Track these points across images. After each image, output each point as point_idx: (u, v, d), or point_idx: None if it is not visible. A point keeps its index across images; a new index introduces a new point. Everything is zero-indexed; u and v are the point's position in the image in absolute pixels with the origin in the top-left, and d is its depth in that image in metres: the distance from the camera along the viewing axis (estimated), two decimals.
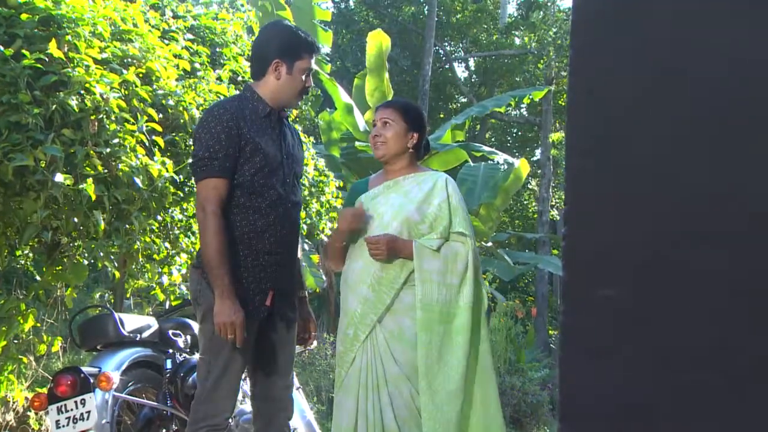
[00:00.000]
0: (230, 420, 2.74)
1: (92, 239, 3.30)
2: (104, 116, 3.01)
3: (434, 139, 9.73)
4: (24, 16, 2.94)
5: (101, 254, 3.49)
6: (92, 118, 2.97)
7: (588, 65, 0.78)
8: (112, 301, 6.04)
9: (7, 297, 4.07)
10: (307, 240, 7.55)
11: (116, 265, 3.95)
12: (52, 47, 2.86)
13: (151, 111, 3.26)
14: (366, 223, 2.89)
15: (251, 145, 2.64)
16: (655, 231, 0.73)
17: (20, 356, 4.09)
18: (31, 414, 4.22)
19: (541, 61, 16.58)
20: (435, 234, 2.83)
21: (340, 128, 10.37)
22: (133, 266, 4.14)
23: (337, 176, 7.41)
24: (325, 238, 3.96)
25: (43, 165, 2.82)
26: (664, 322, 0.72)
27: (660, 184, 0.74)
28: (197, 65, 4.00)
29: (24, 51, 2.80)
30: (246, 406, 3.54)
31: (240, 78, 4.38)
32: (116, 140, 3.04)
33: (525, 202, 20.80)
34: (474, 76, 21.23)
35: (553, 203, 18.14)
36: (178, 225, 4.00)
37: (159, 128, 3.32)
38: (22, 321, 3.82)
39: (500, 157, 11.11)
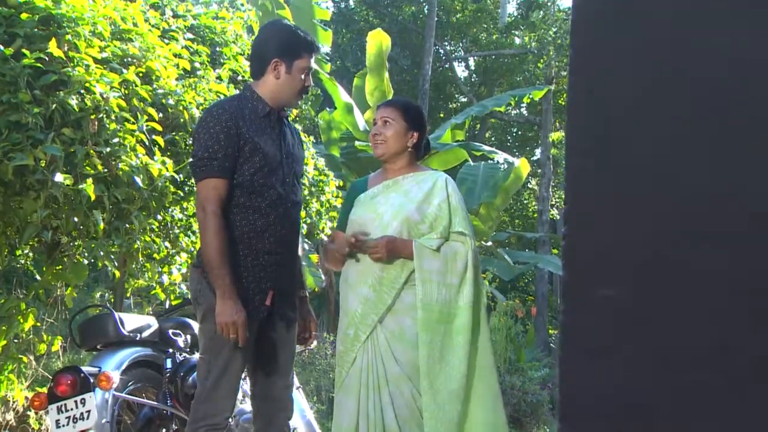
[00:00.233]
0: (230, 419, 2.74)
1: (92, 239, 3.30)
2: (104, 115, 3.01)
3: (434, 138, 9.73)
4: (24, 16, 2.95)
5: (101, 254, 3.49)
6: (92, 117, 2.97)
7: (588, 65, 0.78)
8: (112, 300, 6.05)
9: (7, 296, 4.07)
10: (306, 240, 7.56)
11: (116, 264, 3.95)
12: (52, 47, 2.86)
13: (151, 110, 3.26)
14: (364, 228, 2.88)
15: (250, 144, 2.64)
16: (655, 231, 0.73)
17: (20, 356, 4.10)
18: (31, 413, 4.22)
19: (541, 60, 16.58)
20: (435, 234, 2.83)
21: (340, 128, 10.37)
22: (133, 266, 4.14)
23: (336, 176, 7.42)
24: (325, 238, 3.96)
25: (43, 164, 2.82)
26: (664, 322, 0.72)
27: (660, 184, 0.74)
28: (197, 64, 4.00)
29: (24, 50, 2.80)
30: (246, 405, 3.54)
31: (240, 77, 4.38)
32: (116, 139, 3.05)
33: (525, 202, 20.80)
34: (474, 75, 21.23)
35: (553, 203, 18.14)
36: (179, 224, 4.00)
37: (159, 127, 3.32)
38: (22, 320, 3.82)
39: (500, 156, 11.11)
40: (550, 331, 14.37)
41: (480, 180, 10.42)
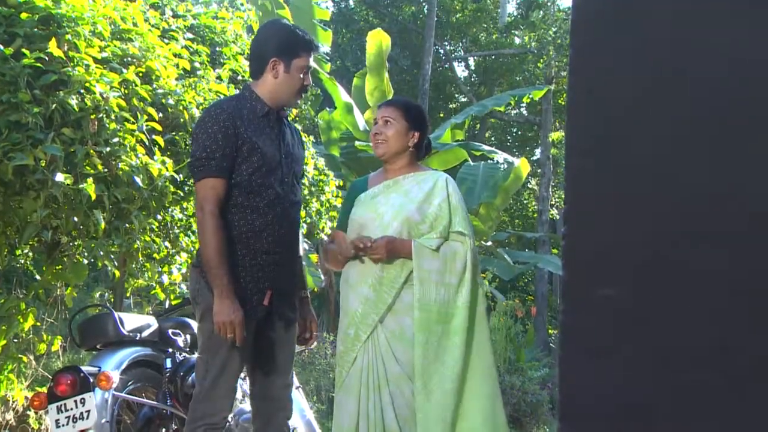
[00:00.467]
0: (229, 419, 2.74)
1: (92, 238, 3.30)
2: (104, 115, 3.01)
3: (434, 138, 9.73)
4: (24, 15, 2.95)
5: (101, 253, 3.49)
6: (92, 117, 2.97)
7: (588, 65, 0.78)
8: (112, 300, 6.05)
9: (7, 296, 4.07)
10: (306, 239, 7.55)
11: (116, 264, 3.95)
12: (52, 46, 2.86)
13: (151, 110, 3.26)
14: (364, 228, 2.87)
15: (248, 144, 2.64)
16: (655, 231, 0.73)
17: (20, 355, 4.10)
18: (31, 413, 4.22)
19: (541, 60, 16.58)
20: (435, 233, 2.83)
21: (340, 127, 10.37)
22: (133, 265, 4.14)
23: (336, 175, 7.42)
24: (325, 238, 3.96)
25: (43, 164, 2.82)
26: (664, 322, 0.72)
27: (660, 184, 0.74)
28: (197, 64, 4.00)
29: (24, 50, 2.80)
30: (245, 405, 3.54)
31: (240, 77, 4.38)
32: (116, 139, 3.05)
33: (525, 202, 20.79)
34: (474, 75, 21.22)
35: (553, 202, 18.14)
36: (178, 224, 4.00)
37: (159, 127, 3.32)
38: (22, 320, 3.82)
39: (500, 156, 11.12)
40: (549, 331, 14.37)
41: (480, 180, 10.42)
